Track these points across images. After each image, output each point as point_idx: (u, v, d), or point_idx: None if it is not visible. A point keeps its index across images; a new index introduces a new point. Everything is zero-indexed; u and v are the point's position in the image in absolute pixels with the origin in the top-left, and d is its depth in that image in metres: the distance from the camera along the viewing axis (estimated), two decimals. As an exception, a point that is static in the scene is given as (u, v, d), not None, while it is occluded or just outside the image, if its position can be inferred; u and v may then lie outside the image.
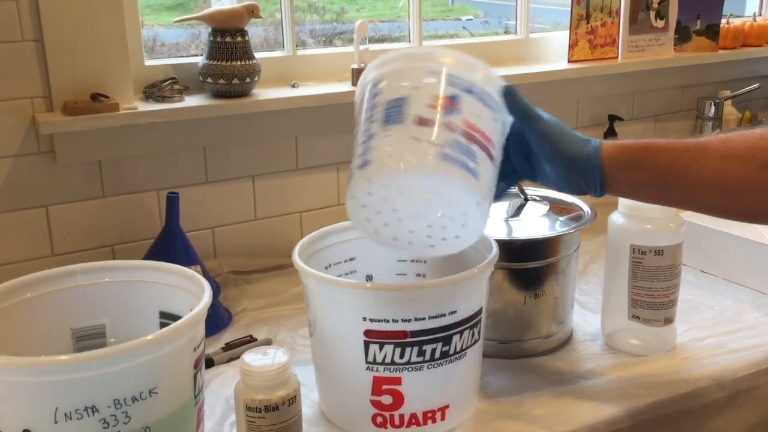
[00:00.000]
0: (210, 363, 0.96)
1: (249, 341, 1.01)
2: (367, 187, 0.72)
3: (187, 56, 1.32)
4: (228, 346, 0.99)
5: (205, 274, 1.06)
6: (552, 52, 1.59)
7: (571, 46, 1.53)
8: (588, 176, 0.77)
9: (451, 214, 0.74)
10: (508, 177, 0.81)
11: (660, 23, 1.62)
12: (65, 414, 0.61)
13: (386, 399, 0.79)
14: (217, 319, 1.07)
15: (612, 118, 1.57)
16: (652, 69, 1.61)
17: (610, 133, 1.58)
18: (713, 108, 1.67)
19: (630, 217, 0.95)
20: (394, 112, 0.73)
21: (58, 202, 1.13)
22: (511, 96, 0.77)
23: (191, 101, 1.18)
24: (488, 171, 0.73)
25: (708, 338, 1.01)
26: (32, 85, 1.08)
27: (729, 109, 1.71)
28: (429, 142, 0.70)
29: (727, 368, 0.93)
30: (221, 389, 0.90)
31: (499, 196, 0.79)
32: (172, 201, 1.06)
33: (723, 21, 1.72)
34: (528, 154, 0.79)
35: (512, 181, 0.82)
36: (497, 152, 0.76)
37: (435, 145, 0.70)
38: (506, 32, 1.67)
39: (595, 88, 1.57)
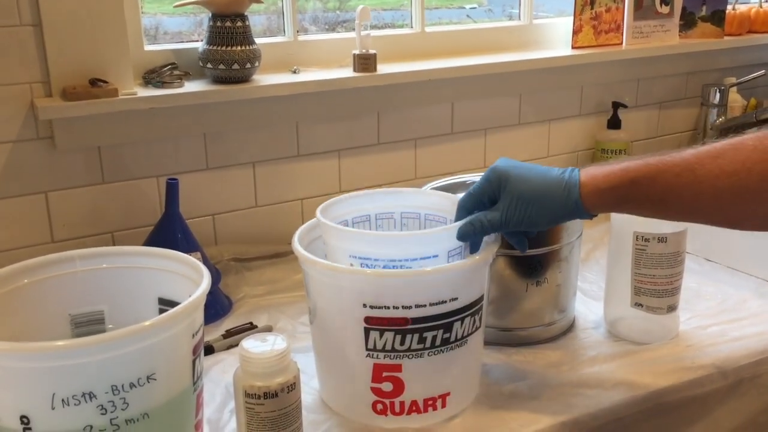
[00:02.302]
0: (210, 350, 0.96)
1: (249, 328, 1.00)
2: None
3: (189, 42, 1.31)
4: (228, 333, 0.99)
5: (205, 261, 1.06)
6: (556, 38, 1.57)
7: (575, 32, 1.51)
8: (577, 217, 0.78)
9: None
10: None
11: (665, 9, 1.60)
12: (63, 400, 0.61)
13: (386, 386, 0.78)
14: (217, 307, 1.07)
15: (616, 105, 1.56)
16: (656, 55, 1.59)
17: (614, 120, 1.57)
18: (718, 95, 1.65)
19: (633, 204, 0.94)
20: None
21: (58, 188, 1.12)
22: (469, 239, 0.80)
23: (191, 87, 1.17)
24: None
25: (711, 326, 1.00)
26: (31, 70, 1.07)
27: (734, 96, 1.70)
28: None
29: (730, 356, 0.93)
30: (221, 376, 0.90)
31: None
32: (172, 187, 1.05)
33: (729, 7, 1.70)
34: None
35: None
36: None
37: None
38: (510, 19, 1.66)
39: (600, 74, 1.56)
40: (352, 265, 0.81)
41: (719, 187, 0.70)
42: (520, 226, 0.78)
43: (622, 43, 1.56)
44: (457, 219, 0.82)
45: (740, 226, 0.75)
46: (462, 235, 0.79)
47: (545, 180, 0.77)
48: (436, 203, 0.92)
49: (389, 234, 0.89)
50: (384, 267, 0.79)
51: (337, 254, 0.83)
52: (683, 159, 0.73)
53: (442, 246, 0.81)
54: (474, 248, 0.82)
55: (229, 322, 1.04)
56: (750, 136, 0.71)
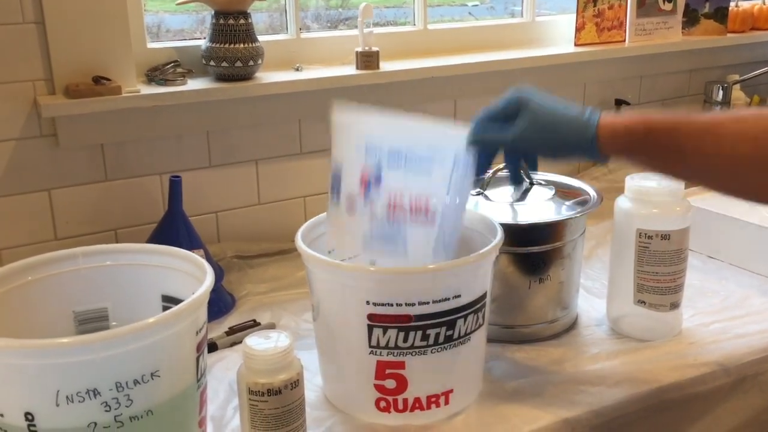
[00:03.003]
0: (213, 347, 0.96)
1: (252, 325, 1.01)
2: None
3: (192, 39, 1.31)
4: (231, 331, 0.99)
5: (209, 259, 1.06)
6: (558, 35, 1.57)
7: (578, 30, 1.51)
8: (589, 158, 0.77)
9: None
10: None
11: (668, 6, 1.60)
12: (67, 397, 0.61)
13: (390, 383, 0.78)
14: (220, 304, 1.07)
15: (619, 103, 1.56)
16: (659, 53, 1.59)
17: (617, 117, 1.57)
18: (721, 92, 1.65)
19: (637, 202, 0.94)
20: (335, 183, 0.83)
21: (61, 186, 1.12)
22: (477, 149, 0.79)
23: (194, 84, 1.17)
24: (424, 237, 0.80)
25: (714, 323, 1.00)
26: (34, 67, 1.07)
27: (737, 94, 1.69)
28: (354, 236, 0.81)
29: (733, 353, 0.93)
30: (224, 373, 0.90)
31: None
32: (175, 185, 1.05)
33: (732, 4, 1.69)
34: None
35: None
36: (446, 194, 0.79)
37: (360, 238, 0.81)
38: (512, 17, 1.66)
39: (602, 71, 1.56)
40: (358, 149, 0.79)
41: (738, 150, 0.70)
42: (530, 149, 0.78)
43: (624, 41, 1.56)
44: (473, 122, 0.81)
45: (749, 196, 0.74)
46: (473, 139, 0.78)
47: (565, 110, 0.77)
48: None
49: (403, 118, 0.82)
50: (389, 155, 0.78)
51: (346, 139, 0.81)
52: (705, 118, 0.72)
53: (451, 145, 0.78)
54: (480, 169, 0.80)
55: (232, 320, 1.04)
56: None
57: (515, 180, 0.86)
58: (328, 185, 0.84)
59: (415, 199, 0.78)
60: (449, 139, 0.79)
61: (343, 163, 0.82)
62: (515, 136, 0.77)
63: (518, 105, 0.78)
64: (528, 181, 1.03)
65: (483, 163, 0.81)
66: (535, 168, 0.84)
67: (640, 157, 0.76)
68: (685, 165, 0.74)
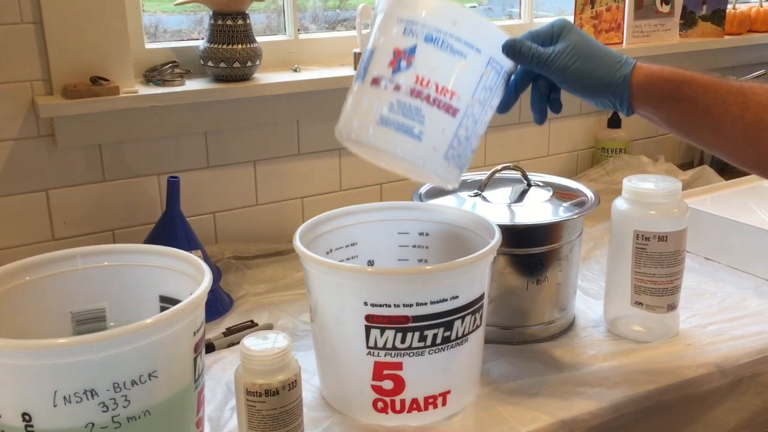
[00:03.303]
0: (211, 348, 0.96)
1: (250, 326, 1.01)
2: (339, 137, 0.78)
3: (189, 40, 1.31)
4: (229, 331, 0.99)
5: (206, 259, 1.06)
6: (556, 37, 1.57)
7: (576, 31, 1.51)
8: (617, 101, 0.77)
9: (411, 168, 0.77)
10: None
11: (665, 8, 1.60)
12: (64, 397, 0.61)
13: (387, 384, 0.79)
14: (218, 304, 1.07)
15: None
16: (657, 54, 1.59)
17: (614, 118, 1.57)
18: (718, 94, 1.65)
19: (634, 203, 0.94)
20: (365, 63, 0.77)
21: (59, 186, 1.12)
22: (513, 54, 0.77)
23: (192, 85, 1.17)
24: (443, 124, 0.75)
25: (711, 325, 1.01)
26: (32, 68, 1.07)
27: (734, 96, 1.70)
28: (373, 107, 0.74)
29: (729, 355, 0.93)
30: (222, 374, 0.90)
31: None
32: (173, 185, 1.05)
33: (729, 6, 1.70)
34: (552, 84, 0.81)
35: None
36: (473, 95, 0.76)
37: (377, 111, 0.74)
38: (510, 18, 1.66)
39: (600, 73, 1.56)
40: (396, 31, 0.75)
41: (763, 117, 0.70)
42: (562, 76, 0.77)
43: (622, 42, 1.57)
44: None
45: (763, 169, 0.74)
46: (509, 46, 0.77)
47: (605, 48, 0.77)
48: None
49: (449, 2, 0.78)
50: (426, 36, 0.74)
51: (385, 22, 0.77)
52: (738, 82, 0.73)
53: (489, 45, 0.76)
54: (505, 103, 0.80)
55: (229, 320, 1.04)
56: None
57: (539, 116, 0.83)
58: (358, 68, 0.78)
59: (441, 87, 0.74)
60: (490, 36, 0.77)
61: (376, 47, 0.77)
62: (554, 54, 0.76)
63: (561, 31, 0.78)
64: (526, 182, 1.03)
65: (512, 92, 0.80)
66: (558, 109, 0.83)
67: (668, 108, 0.75)
68: (710, 124, 0.74)
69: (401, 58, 0.74)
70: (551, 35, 0.79)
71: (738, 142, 0.73)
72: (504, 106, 0.80)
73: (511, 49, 0.77)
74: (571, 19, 1.51)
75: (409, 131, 0.74)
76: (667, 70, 0.75)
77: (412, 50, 0.74)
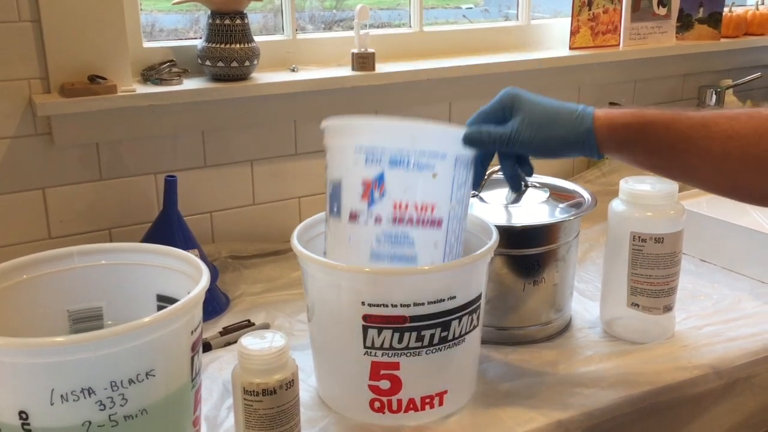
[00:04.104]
0: (207, 347, 0.96)
1: (247, 326, 1.01)
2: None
3: (185, 39, 1.31)
4: (225, 331, 0.99)
5: (203, 259, 1.06)
6: (553, 38, 1.58)
7: (573, 33, 1.52)
8: (585, 152, 0.77)
9: None
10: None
11: (662, 11, 1.61)
12: (61, 395, 0.61)
13: (384, 384, 0.79)
14: (214, 304, 1.07)
15: (613, 106, 1.56)
16: (653, 57, 1.60)
17: (611, 121, 1.57)
18: (714, 97, 1.66)
19: (631, 205, 0.95)
20: (334, 197, 0.79)
21: (56, 185, 1.12)
22: (474, 145, 0.78)
23: (190, 84, 1.17)
24: (432, 239, 0.77)
25: (706, 326, 1.01)
26: (29, 66, 1.07)
27: (730, 99, 1.70)
28: (360, 245, 0.77)
29: (725, 356, 0.93)
30: (218, 373, 0.90)
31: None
32: (170, 184, 1.05)
33: (725, 9, 1.71)
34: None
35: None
36: (450, 200, 0.78)
37: (366, 248, 0.77)
38: (507, 20, 1.66)
39: (597, 75, 1.56)
40: (356, 162, 0.77)
41: (729, 148, 0.71)
42: (526, 148, 0.77)
43: (619, 44, 1.57)
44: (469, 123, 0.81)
45: (737, 195, 0.75)
46: (468, 139, 0.77)
47: (559, 106, 0.77)
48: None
49: (399, 121, 0.80)
50: (390, 160, 0.76)
51: (342, 154, 0.79)
52: (699, 115, 0.73)
53: (451, 146, 0.77)
54: (477, 176, 0.81)
55: (226, 320, 1.04)
56: (765, 110, 0.71)
57: (514, 184, 0.85)
58: (326, 204, 0.81)
59: (420, 205, 0.77)
60: (449, 139, 0.78)
61: (341, 180, 0.79)
62: (513, 132, 0.77)
63: (512, 104, 0.78)
64: (523, 184, 1.03)
65: (479, 167, 0.81)
66: (530, 173, 0.84)
67: (635, 151, 0.76)
68: (678, 161, 0.74)
69: (372, 189, 0.76)
70: (502, 109, 0.79)
71: (708, 174, 0.74)
72: (476, 184, 0.82)
73: (470, 141, 0.78)
74: (567, 21, 1.52)
75: (403, 258, 0.77)
76: (627, 115, 0.75)
77: (381, 178, 0.76)
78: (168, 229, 1.05)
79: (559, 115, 0.76)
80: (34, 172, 1.10)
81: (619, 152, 0.77)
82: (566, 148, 0.77)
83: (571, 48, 1.52)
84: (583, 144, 0.76)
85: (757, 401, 0.95)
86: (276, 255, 1.24)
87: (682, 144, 0.73)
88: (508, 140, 0.77)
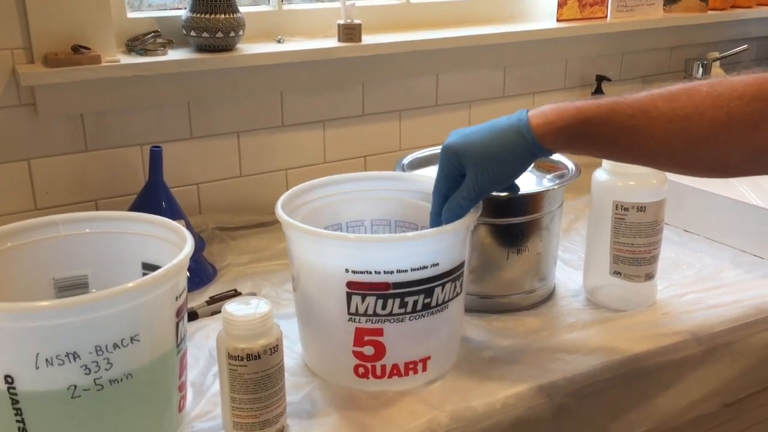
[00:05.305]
0: (194, 316, 0.96)
1: (233, 295, 1.01)
2: None
3: (170, 9, 1.30)
4: (212, 300, 1.00)
5: (190, 229, 1.06)
6: (540, 11, 1.57)
7: (560, 5, 1.51)
8: (541, 158, 0.78)
9: None
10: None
11: (650, -17, 1.60)
12: (47, 359, 0.61)
13: (368, 350, 0.80)
14: (201, 274, 1.07)
15: (600, 79, 1.56)
16: (640, 29, 1.60)
17: (598, 93, 1.58)
18: (701, 69, 1.66)
19: (613, 174, 0.95)
20: None
21: (40, 156, 1.12)
22: (455, 219, 0.79)
23: (174, 55, 1.16)
24: None
25: (688, 294, 1.02)
26: (12, 36, 1.06)
27: (717, 71, 1.71)
28: None
29: (705, 323, 0.95)
30: (205, 342, 0.91)
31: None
32: (156, 155, 1.05)
33: (713, -19, 1.70)
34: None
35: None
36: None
37: None
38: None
39: (584, 48, 1.56)
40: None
41: (671, 131, 0.71)
42: (494, 188, 0.79)
43: (606, 17, 1.57)
44: (434, 205, 0.82)
45: (688, 171, 0.76)
46: (450, 221, 0.79)
47: (497, 134, 0.77)
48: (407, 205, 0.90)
49: (385, 237, 0.82)
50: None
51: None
52: (637, 100, 0.73)
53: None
54: (436, 211, 0.82)
55: (213, 290, 1.05)
56: (704, 82, 0.72)
57: (433, 222, 0.83)
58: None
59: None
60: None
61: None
62: (474, 185, 0.77)
63: (456, 156, 0.78)
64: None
65: (469, 206, 0.80)
66: (516, 189, 0.86)
67: (583, 149, 0.76)
68: (624, 152, 0.75)
69: None
70: (451, 165, 0.79)
71: (656, 159, 0.75)
72: (436, 214, 0.82)
73: (450, 221, 0.79)
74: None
75: None
76: (564, 115, 0.74)
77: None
78: (154, 200, 1.06)
79: (503, 143, 0.76)
80: (19, 143, 1.10)
81: (570, 151, 0.78)
82: (522, 165, 0.78)
83: (558, 20, 1.52)
84: (533, 154, 0.76)
85: (736, 367, 0.97)
86: (263, 226, 1.25)
87: (624, 136, 0.73)
88: (477, 196, 0.78)
